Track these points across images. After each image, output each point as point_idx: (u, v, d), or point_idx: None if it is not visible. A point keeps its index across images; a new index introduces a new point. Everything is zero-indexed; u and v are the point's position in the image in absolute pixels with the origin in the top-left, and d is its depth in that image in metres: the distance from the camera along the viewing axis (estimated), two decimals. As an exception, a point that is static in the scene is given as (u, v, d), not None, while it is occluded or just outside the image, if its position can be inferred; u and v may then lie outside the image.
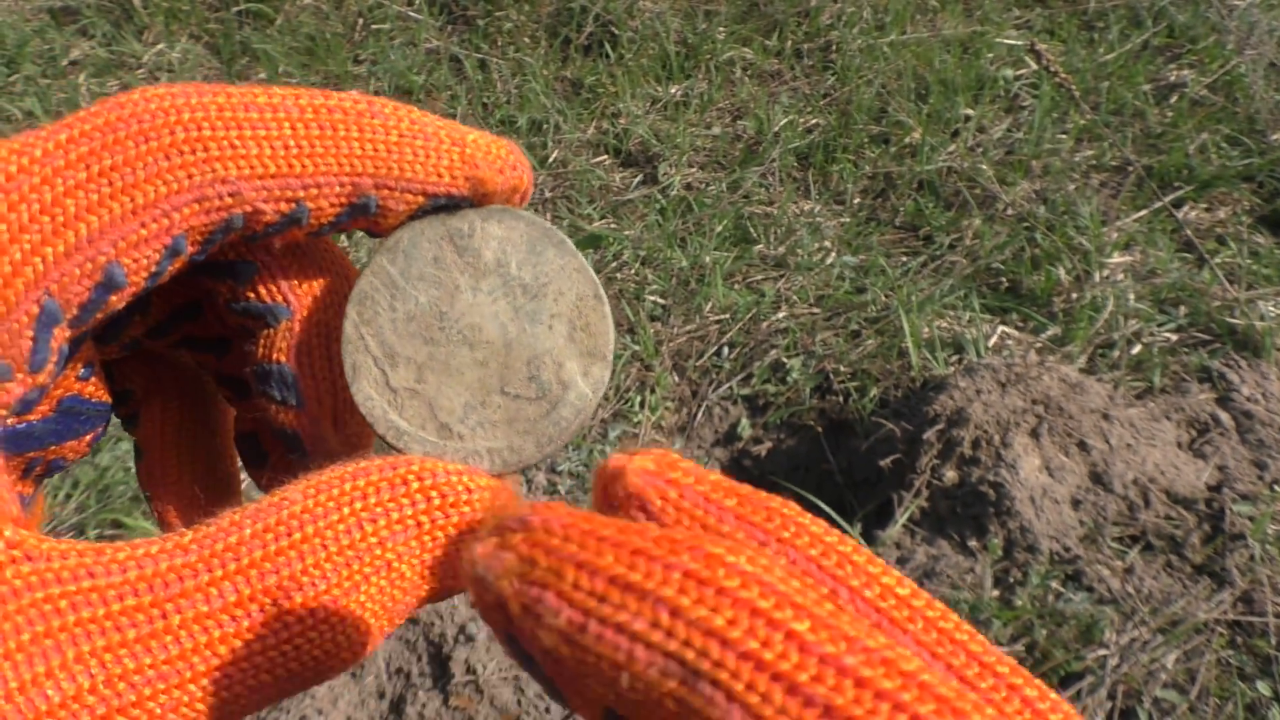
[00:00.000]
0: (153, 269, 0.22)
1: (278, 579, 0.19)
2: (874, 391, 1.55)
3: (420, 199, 0.24)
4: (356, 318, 0.25)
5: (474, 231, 0.25)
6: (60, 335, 0.21)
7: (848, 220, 1.86)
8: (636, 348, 1.63)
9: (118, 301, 0.22)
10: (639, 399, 1.57)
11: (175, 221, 0.22)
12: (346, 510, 0.20)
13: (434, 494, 0.21)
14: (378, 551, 0.20)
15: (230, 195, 0.22)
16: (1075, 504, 1.36)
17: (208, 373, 0.31)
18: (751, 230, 1.82)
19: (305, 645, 0.20)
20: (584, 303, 0.25)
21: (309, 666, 0.20)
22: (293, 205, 0.23)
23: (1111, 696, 1.19)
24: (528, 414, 0.25)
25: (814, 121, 2.05)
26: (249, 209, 0.22)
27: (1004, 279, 1.74)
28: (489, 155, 0.25)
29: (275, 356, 0.26)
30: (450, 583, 0.22)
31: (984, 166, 1.92)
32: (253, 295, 0.26)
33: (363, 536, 0.20)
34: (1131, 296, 1.65)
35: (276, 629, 0.19)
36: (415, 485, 0.21)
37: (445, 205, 0.25)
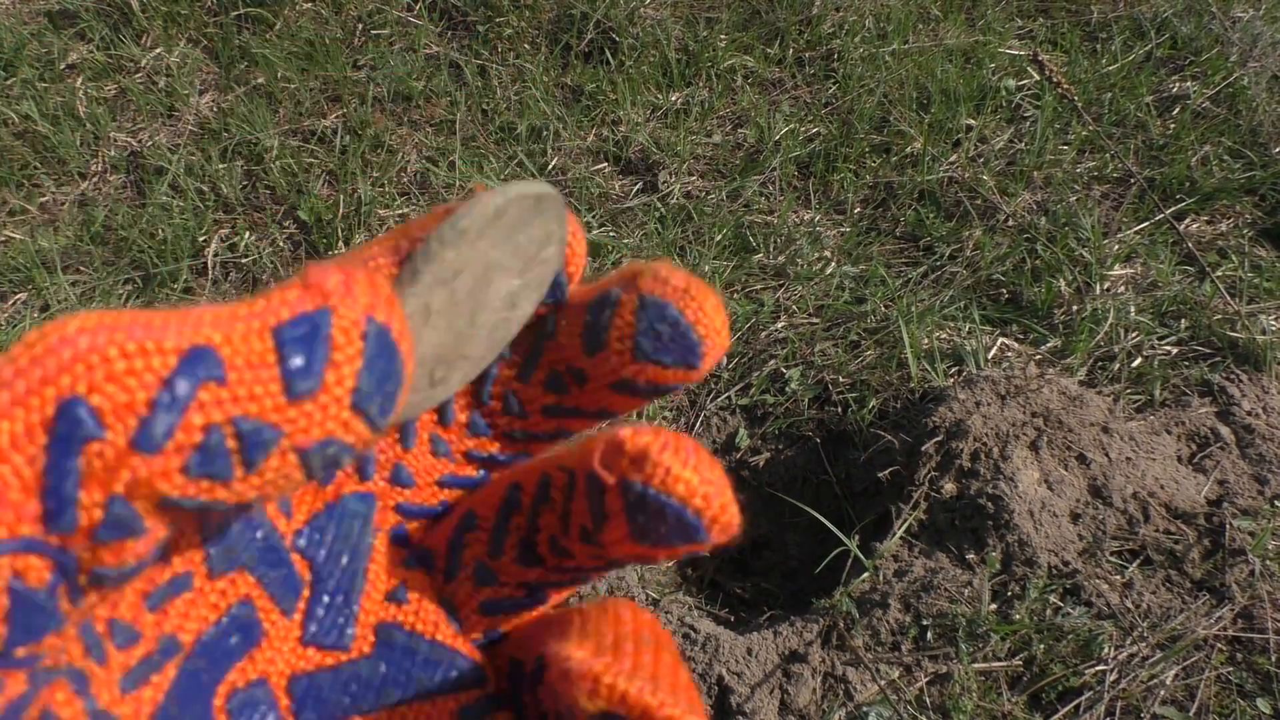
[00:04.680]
0: None
1: None
2: (873, 403, 1.55)
3: None
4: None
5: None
6: None
7: (848, 230, 1.85)
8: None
9: None
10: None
11: None
12: None
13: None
14: None
15: None
16: (1074, 517, 1.35)
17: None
18: (751, 239, 1.81)
19: None
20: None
21: None
22: None
23: (1110, 713, 1.18)
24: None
25: (815, 130, 2.05)
26: None
27: (1004, 290, 1.73)
28: None
29: None
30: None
31: (985, 177, 1.91)
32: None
33: None
34: (1132, 309, 1.65)
35: None
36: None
37: None
